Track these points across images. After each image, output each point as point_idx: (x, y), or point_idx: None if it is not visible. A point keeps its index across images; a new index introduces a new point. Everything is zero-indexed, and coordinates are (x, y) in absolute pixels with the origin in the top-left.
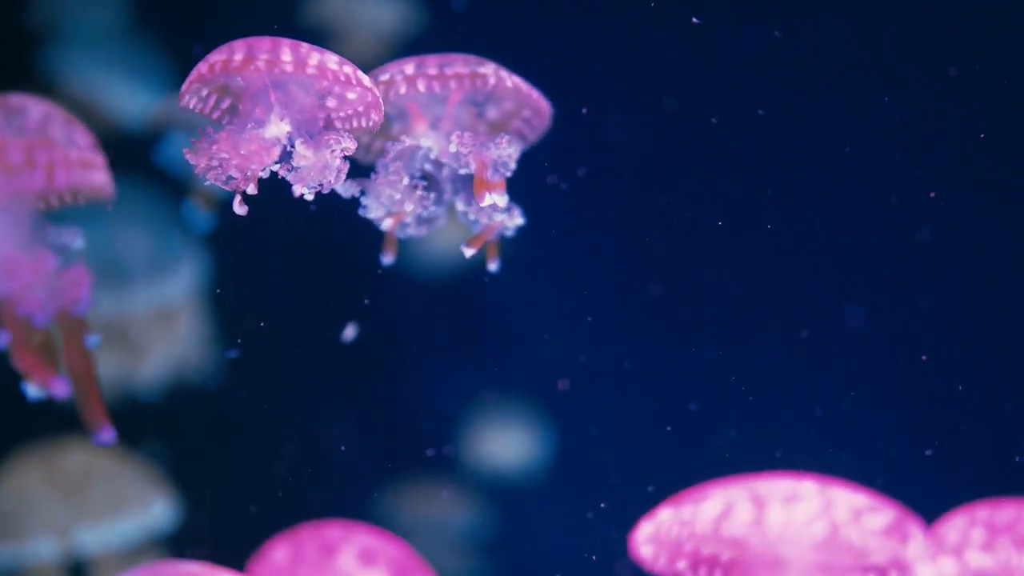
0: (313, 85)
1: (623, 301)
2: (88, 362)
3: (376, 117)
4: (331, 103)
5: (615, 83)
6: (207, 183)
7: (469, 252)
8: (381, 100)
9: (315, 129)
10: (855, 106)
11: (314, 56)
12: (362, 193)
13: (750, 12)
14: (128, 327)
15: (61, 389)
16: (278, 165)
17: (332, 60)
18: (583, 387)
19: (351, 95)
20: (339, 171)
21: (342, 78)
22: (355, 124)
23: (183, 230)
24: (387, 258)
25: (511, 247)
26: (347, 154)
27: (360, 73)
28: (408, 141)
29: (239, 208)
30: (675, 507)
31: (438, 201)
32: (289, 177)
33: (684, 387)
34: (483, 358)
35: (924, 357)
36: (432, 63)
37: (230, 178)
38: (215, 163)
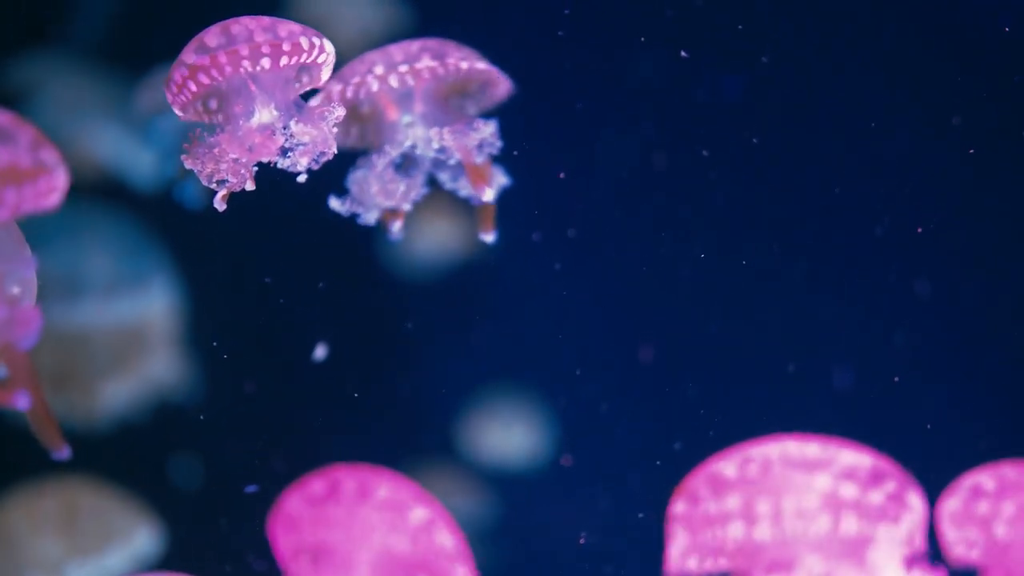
0: (289, 67)
1: (616, 308)
2: (36, 385)
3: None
4: (305, 80)
5: (606, 114)
6: (212, 186)
7: (489, 237)
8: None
9: (296, 106)
10: (848, 141)
11: (283, 30)
12: (360, 207)
13: (738, 45)
14: (100, 349)
15: (22, 402)
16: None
17: (289, 31)
18: (585, 382)
19: (321, 58)
20: (333, 136)
21: (312, 48)
22: (314, 65)
23: (155, 251)
24: (395, 234)
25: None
26: (339, 121)
27: (319, 37)
28: (394, 152)
29: (220, 204)
30: (691, 503)
31: (420, 176)
32: (291, 156)
33: (679, 391)
34: (485, 353)
35: (896, 379)
36: (398, 56)
37: (225, 180)
38: (223, 165)
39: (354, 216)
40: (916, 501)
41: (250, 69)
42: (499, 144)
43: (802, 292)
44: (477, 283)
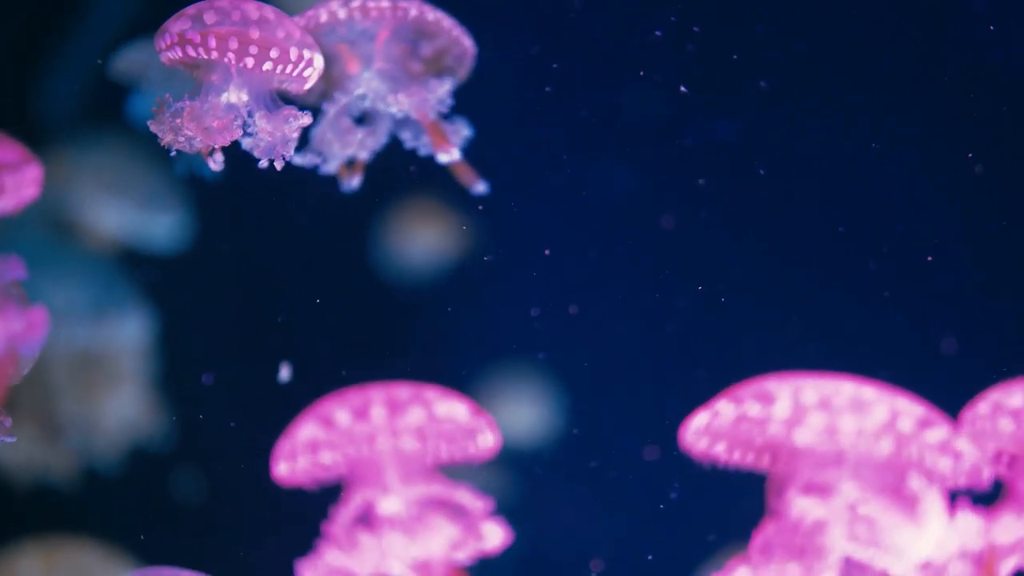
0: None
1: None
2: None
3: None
4: (286, 84)
5: (603, 145)
6: (174, 152)
7: (481, 186)
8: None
9: (270, 94)
10: (850, 176)
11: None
12: (319, 159)
13: (736, 77)
14: (61, 377)
15: None
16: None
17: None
18: (589, 367)
19: (307, 72)
20: (294, 142)
21: (302, 58)
22: (297, 77)
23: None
24: (351, 182)
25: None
26: (304, 127)
27: (308, 45)
28: (344, 99)
29: (215, 165)
30: (736, 402)
31: (380, 129)
32: (246, 144)
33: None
34: (488, 342)
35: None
36: None
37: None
38: (180, 138)
39: (315, 168)
40: (964, 448)
41: (234, 60)
42: (451, 102)
43: (800, 332)
44: (475, 274)
